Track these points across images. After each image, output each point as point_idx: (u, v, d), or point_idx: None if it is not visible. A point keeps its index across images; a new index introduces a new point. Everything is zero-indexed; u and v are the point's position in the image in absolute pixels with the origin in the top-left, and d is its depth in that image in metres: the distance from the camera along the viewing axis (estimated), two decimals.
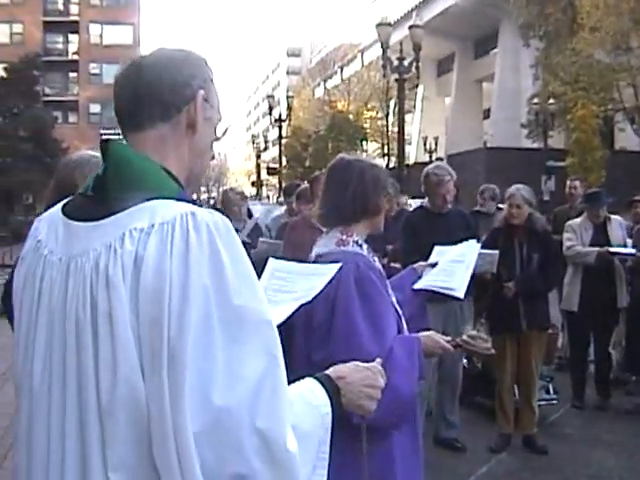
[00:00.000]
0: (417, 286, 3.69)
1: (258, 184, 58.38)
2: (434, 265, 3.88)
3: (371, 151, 56.98)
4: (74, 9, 64.35)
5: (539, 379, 7.33)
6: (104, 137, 1.88)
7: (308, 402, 1.79)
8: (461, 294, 3.66)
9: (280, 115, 42.68)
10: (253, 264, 1.69)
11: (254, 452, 1.54)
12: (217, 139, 2.00)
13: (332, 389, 1.89)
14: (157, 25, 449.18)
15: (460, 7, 53.28)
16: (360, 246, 3.24)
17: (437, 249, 4.09)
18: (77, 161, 3.44)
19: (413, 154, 60.46)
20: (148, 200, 1.64)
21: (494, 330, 6.78)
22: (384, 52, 23.17)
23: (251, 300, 1.61)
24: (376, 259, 3.31)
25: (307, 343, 3.13)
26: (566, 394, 8.22)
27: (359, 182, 3.28)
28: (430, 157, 49.35)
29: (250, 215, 10.20)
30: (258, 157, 60.88)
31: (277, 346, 1.64)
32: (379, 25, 23.54)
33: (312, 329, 3.09)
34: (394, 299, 3.31)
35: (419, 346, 3.13)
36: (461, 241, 6.50)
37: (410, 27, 23.16)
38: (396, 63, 23.07)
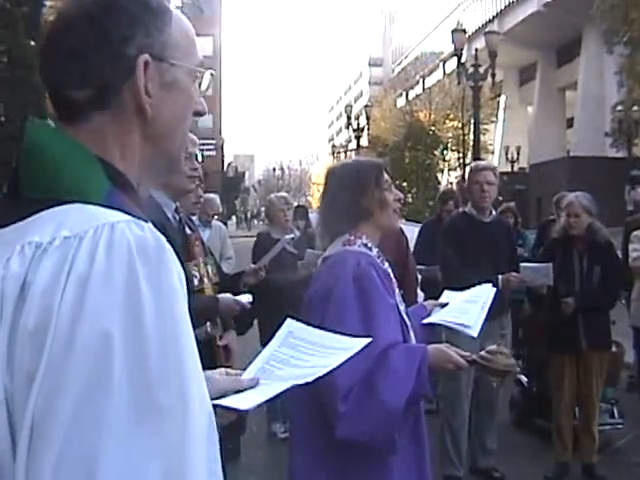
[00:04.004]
0: (428, 320, 3.44)
1: None
2: (444, 305, 3.61)
3: (453, 161, 56.40)
4: None
5: (602, 402, 6.82)
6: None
7: None
8: (475, 332, 3.34)
9: (358, 125, 42.49)
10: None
11: None
12: (202, 93, 1.46)
13: None
14: (239, 36, 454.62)
15: (542, 14, 52.41)
16: (369, 248, 3.10)
17: (446, 293, 3.81)
18: None
19: (495, 164, 59.63)
20: (63, 204, 1.19)
21: (552, 348, 6.44)
22: (459, 59, 22.75)
23: (175, 366, 1.11)
24: (386, 263, 3.15)
25: None
26: (634, 418, 7.57)
27: (337, 188, 3.18)
28: (512, 167, 48.64)
29: (308, 225, 9.84)
30: None
31: (198, 439, 1.12)
32: (454, 31, 23.17)
33: None
34: (402, 307, 3.12)
35: (424, 358, 2.86)
36: (501, 251, 6.18)
37: (485, 33, 22.70)
38: (471, 70, 22.59)
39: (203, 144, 64.98)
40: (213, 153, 64.26)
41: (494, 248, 6.16)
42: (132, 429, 1.05)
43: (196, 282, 3.95)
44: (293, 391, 3.11)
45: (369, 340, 2.29)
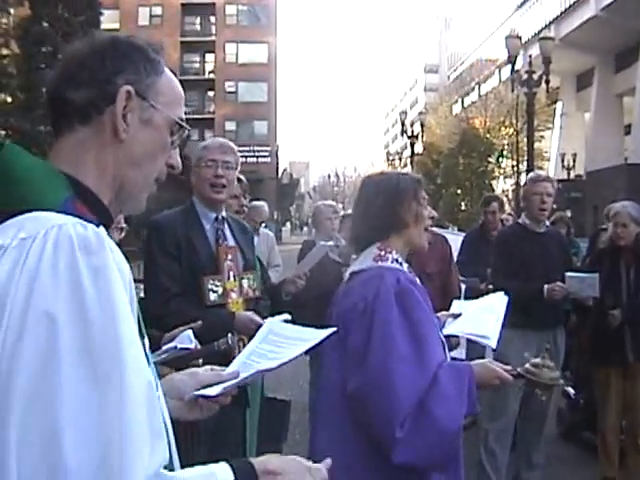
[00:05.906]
0: (445, 332, 3.36)
1: None
2: (457, 316, 3.58)
3: (508, 168, 55.92)
4: (211, 29, 66.46)
5: None
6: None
7: None
8: (493, 344, 3.34)
9: (413, 132, 42.28)
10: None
11: None
12: (174, 145, 1.68)
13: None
14: (295, 43, 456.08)
15: (600, 19, 51.65)
16: (400, 264, 3.03)
17: (456, 303, 3.83)
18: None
19: (552, 171, 59.06)
20: (26, 212, 1.39)
21: (597, 361, 6.32)
22: (513, 66, 22.50)
23: (114, 340, 1.30)
24: (417, 280, 3.07)
25: (343, 372, 2.87)
26: None
27: (375, 195, 3.11)
28: (568, 174, 48.12)
29: None
30: None
31: (136, 404, 1.31)
32: (508, 37, 22.87)
33: (347, 354, 2.83)
34: (437, 322, 3.11)
35: (471, 376, 2.83)
36: (553, 262, 6.07)
37: (540, 39, 22.41)
38: (525, 77, 22.36)
39: (258, 150, 65.31)
40: (268, 160, 64.50)
41: (546, 259, 6.06)
42: (82, 397, 1.24)
43: (214, 297, 3.91)
44: (326, 405, 3.07)
45: (333, 330, 2.31)
